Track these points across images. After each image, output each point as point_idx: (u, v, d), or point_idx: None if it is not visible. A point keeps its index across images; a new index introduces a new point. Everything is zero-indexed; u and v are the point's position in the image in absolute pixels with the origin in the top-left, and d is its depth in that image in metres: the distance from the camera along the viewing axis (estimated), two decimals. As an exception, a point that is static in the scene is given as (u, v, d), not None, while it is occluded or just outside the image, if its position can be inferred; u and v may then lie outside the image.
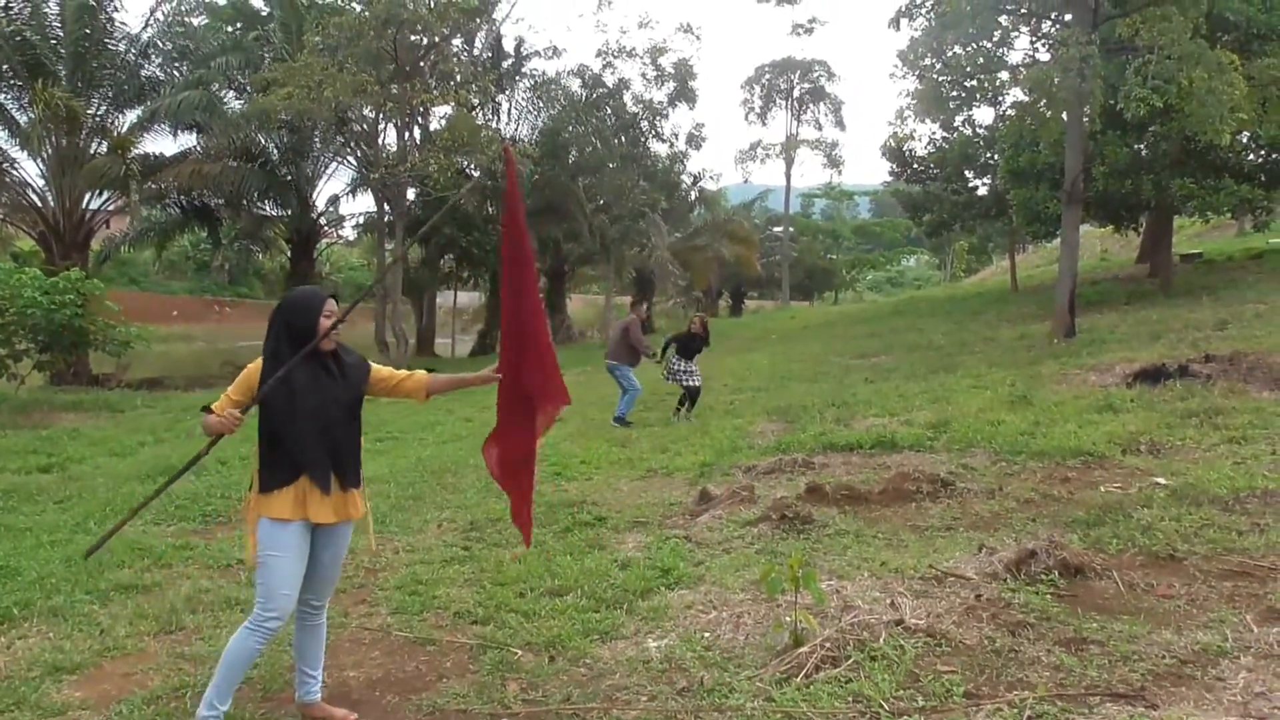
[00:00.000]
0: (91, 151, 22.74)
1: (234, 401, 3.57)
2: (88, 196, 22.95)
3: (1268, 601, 4.31)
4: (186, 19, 24.88)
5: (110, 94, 23.32)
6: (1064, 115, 17.09)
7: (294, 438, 3.54)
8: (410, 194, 25.27)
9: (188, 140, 25.15)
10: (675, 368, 12.37)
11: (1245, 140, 19.34)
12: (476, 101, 26.04)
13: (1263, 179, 19.99)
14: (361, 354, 3.93)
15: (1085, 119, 17.08)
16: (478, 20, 26.89)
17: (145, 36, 23.71)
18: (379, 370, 3.88)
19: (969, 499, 6.69)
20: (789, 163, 51.11)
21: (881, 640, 4.01)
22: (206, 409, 3.59)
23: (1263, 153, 20.07)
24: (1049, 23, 19.51)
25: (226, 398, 3.58)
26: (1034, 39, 21.80)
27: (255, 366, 3.61)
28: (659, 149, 35.21)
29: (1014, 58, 20.39)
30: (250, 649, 3.57)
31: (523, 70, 32.45)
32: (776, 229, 56.73)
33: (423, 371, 4.02)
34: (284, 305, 3.68)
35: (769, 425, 10.88)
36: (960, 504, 6.59)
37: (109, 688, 4.23)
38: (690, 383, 12.41)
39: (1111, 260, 33.14)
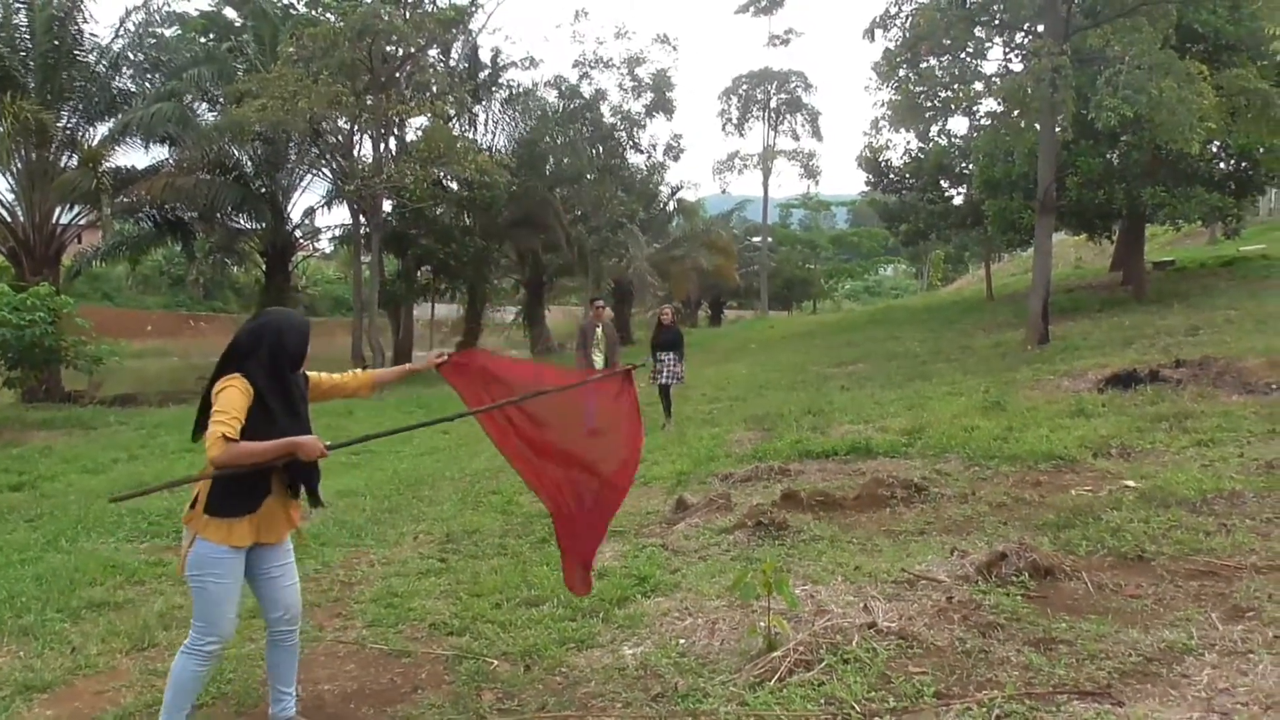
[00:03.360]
0: (62, 165, 22.49)
1: (240, 422, 3.35)
2: (58, 211, 22.66)
3: (1232, 600, 4.39)
4: (158, 30, 24.67)
5: (80, 106, 23.07)
6: (1037, 125, 17.29)
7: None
8: (386, 206, 25.18)
9: (160, 153, 24.91)
10: (656, 365, 12.50)
11: (1215, 149, 19.60)
12: (453, 112, 26.03)
13: (1232, 187, 20.26)
14: None
15: (1058, 129, 17.28)
16: (454, 31, 26.89)
17: (116, 48, 23.48)
18: (318, 377, 3.82)
19: (942, 504, 6.75)
20: (766, 173, 51.32)
21: (854, 643, 4.05)
22: (231, 439, 3.31)
23: (1232, 161, 20.35)
24: (1022, 34, 19.74)
25: (235, 419, 3.33)
26: (1007, 50, 22.00)
27: (241, 386, 3.40)
28: (637, 160, 35.37)
29: (988, 69, 20.54)
30: (194, 672, 3.52)
31: (499, 81, 32.48)
32: (755, 239, 56.90)
33: (362, 370, 4.01)
34: (280, 328, 3.55)
35: (746, 434, 10.93)
36: (934, 509, 6.65)
37: (81, 706, 4.20)
38: (656, 380, 12.49)
39: (1085, 268, 33.46)
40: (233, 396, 3.38)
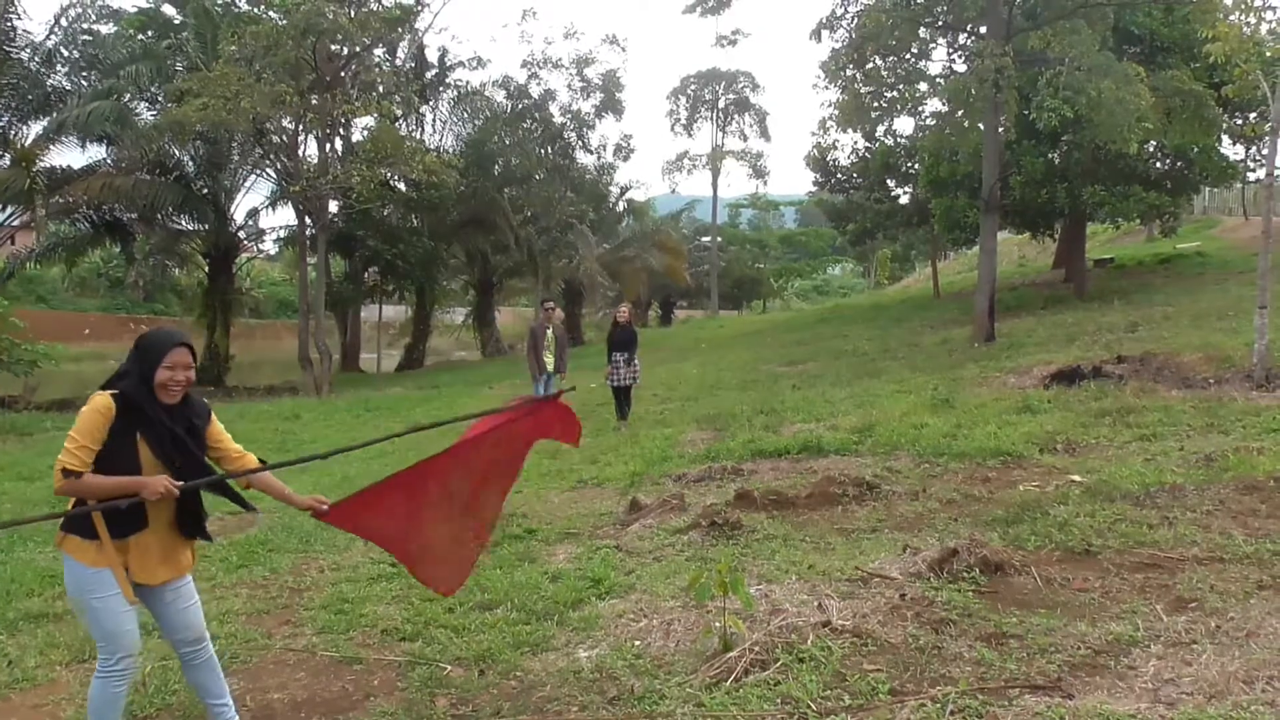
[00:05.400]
0: (-7, 165, 21.88)
1: (93, 451, 3.18)
2: (-11, 212, 22.09)
3: (1176, 591, 4.49)
4: (93, 26, 24.07)
5: (13, 104, 22.46)
6: (981, 125, 17.58)
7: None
8: (333, 207, 24.83)
9: (98, 152, 24.35)
10: (611, 365, 12.48)
11: (1152, 149, 20.09)
12: (400, 112, 25.76)
13: (1169, 186, 20.78)
14: (206, 400, 3.63)
15: (1001, 129, 17.58)
16: (400, 30, 26.63)
17: (50, 44, 22.89)
18: (215, 428, 3.51)
19: (893, 501, 6.82)
20: (715, 173, 51.46)
21: (809, 642, 4.06)
22: (72, 473, 3.15)
23: (1168, 161, 20.86)
24: (965, 35, 20.06)
25: (84, 449, 3.17)
26: (951, 51, 22.41)
27: (101, 405, 3.22)
28: (586, 160, 35.33)
29: (933, 69, 20.88)
30: (112, 694, 3.38)
31: (447, 81, 32.24)
32: (704, 239, 57.10)
33: (254, 460, 3.59)
34: (141, 343, 3.35)
35: (699, 434, 10.95)
36: (885, 506, 6.72)
37: (18, 720, 4.07)
38: (613, 382, 12.47)
39: (1029, 266, 34.12)
40: (86, 419, 3.20)
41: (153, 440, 3.27)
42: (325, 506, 3.50)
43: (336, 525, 3.74)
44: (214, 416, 3.53)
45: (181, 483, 3.22)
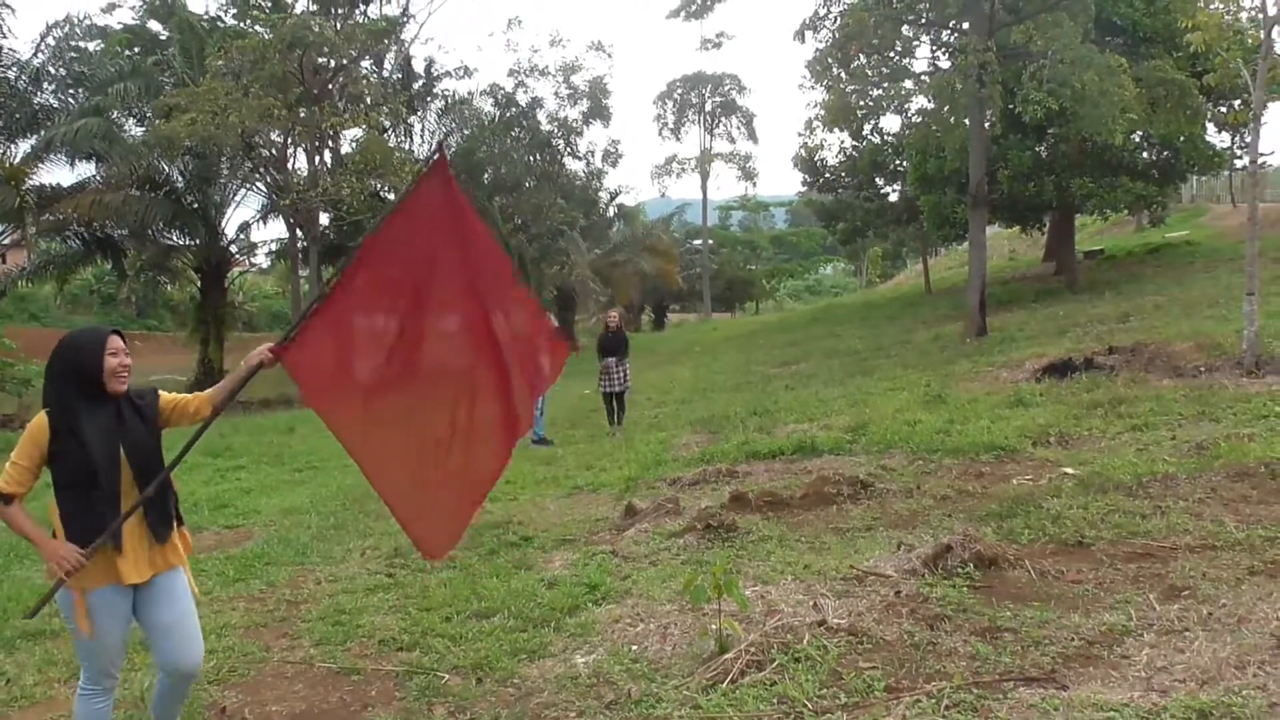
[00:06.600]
0: (-19, 184, 21.82)
1: (26, 470, 3.15)
2: (-22, 232, 22.05)
3: (1169, 580, 4.51)
4: (80, 44, 24.03)
5: (0, 123, 22.43)
6: (967, 121, 17.66)
7: (91, 495, 3.14)
8: (323, 219, 24.82)
9: (87, 169, 24.29)
10: (601, 373, 12.51)
11: (1138, 139, 20.19)
12: (388, 124, 25.77)
13: (1155, 176, 20.88)
14: (152, 386, 3.56)
15: (987, 124, 17.68)
16: (386, 41, 26.66)
17: (36, 63, 22.86)
18: (165, 397, 3.45)
19: (888, 499, 6.83)
20: (704, 176, 51.69)
21: (805, 641, 4.07)
22: (4, 495, 3.13)
23: (1154, 151, 20.96)
24: (948, 32, 20.14)
25: (15, 467, 3.13)
26: (935, 48, 22.48)
27: (38, 424, 3.17)
28: (575, 166, 35.35)
29: (917, 66, 20.96)
30: (94, 711, 3.37)
31: (434, 91, 32.24)
32: (696, 242, 57.23)
33: (205, 399, 3.51)
34: (65, 347, 3.24)
35: (693, 437, 10.97)
36: (879, 504, 6.73)
37: (15, 740, 4.07)
38: (604, 388, 12.49)
39: (1019, 260, 34.20)
40: (22, 439, 3.18)
41: (98, 441, 3.17)
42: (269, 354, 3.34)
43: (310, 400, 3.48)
44: (160, 392, 3.46)
45: (84, 552, 3.09)
